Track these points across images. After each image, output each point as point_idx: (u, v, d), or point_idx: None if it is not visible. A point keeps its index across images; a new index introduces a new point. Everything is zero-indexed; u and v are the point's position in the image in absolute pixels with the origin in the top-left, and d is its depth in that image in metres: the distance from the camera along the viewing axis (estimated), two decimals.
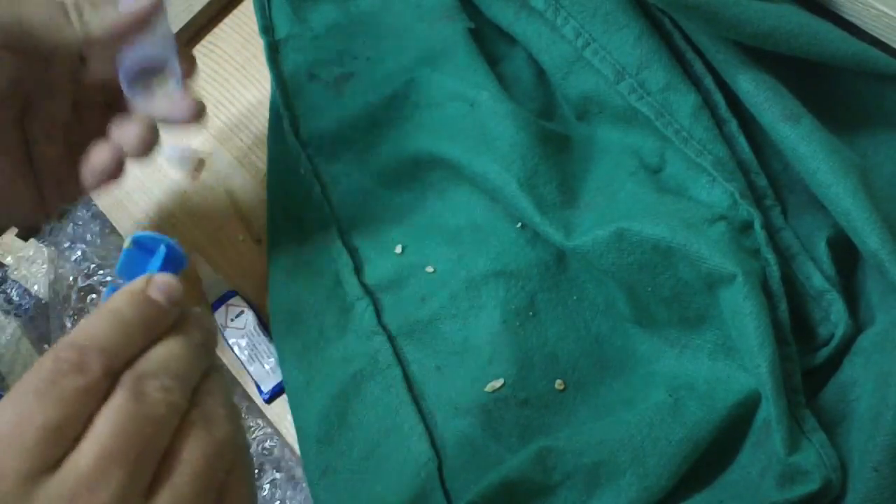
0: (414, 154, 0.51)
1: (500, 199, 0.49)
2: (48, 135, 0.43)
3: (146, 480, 0.28)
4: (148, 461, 0.28)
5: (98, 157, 0.42)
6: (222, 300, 0.53)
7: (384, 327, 0.49)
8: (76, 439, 0.28)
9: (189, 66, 0.44)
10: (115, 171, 0.43)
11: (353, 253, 0.51)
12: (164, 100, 0.43)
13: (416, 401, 0.47)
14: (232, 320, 0.53)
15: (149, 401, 0.29)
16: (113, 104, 0.45)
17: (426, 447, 0.45)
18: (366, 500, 0.45)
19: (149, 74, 0.43)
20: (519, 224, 0.49)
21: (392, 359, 0.48)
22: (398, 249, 0.51)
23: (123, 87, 0.42)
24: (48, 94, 0.42)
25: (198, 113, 0.43)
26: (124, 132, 0.42)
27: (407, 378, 0.47)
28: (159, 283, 0.32)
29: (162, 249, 0.36)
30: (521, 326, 0.47)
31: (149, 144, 0.42)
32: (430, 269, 0.50)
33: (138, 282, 0.32)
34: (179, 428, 0.29)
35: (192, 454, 0.29)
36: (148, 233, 0.36)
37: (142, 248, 0.36)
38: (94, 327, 0.30)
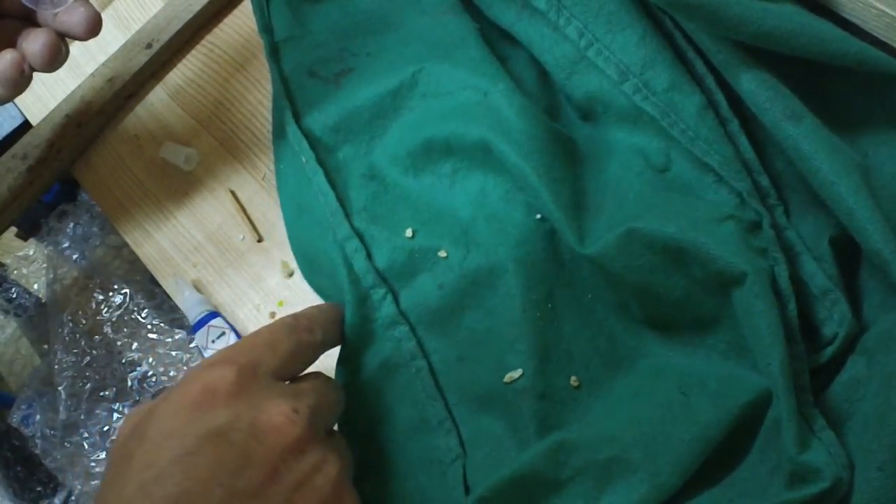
0: (425, 142, 0.50)
1: (521, 188, 0.48)
2: None
3: (330, 417, 0.42)
4: (332, 405, 0.42)
5: (0, 62, 0.44)
6: (204, 321, 0.53)
7: (404, 316, 0.48)
8: (295, 375, 0.42)
9: None
10: (17, 78, 0.45)
11: (361, 237, 0.50)
12: (63, 12, 0.45)
13: (443, 394, 0.47)
14: (213, 342, 0.53)
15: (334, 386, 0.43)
16: (29, 18, 0.47)
17: (455, 444, 0.45)
18: (397, 499, 0.45)
19: None
20: (538, 215, 0.48)
21: (416, 350, 0.47)
22: (409, 233, 0.50)
23: None
24: None
25: (90, 24, 0.45)
26: (29, 42, 0.45)
27: (431, 370, 0.47)
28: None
29: None
30: (541, 318, 0.46)
31: (50, 56, 0.45)
32: (442, 253, 0.49)
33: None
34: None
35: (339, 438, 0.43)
36: None
37: None
38: (311, 314, 0.45)
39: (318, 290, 0.53)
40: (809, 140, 0.43)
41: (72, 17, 0.45)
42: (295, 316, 0.44)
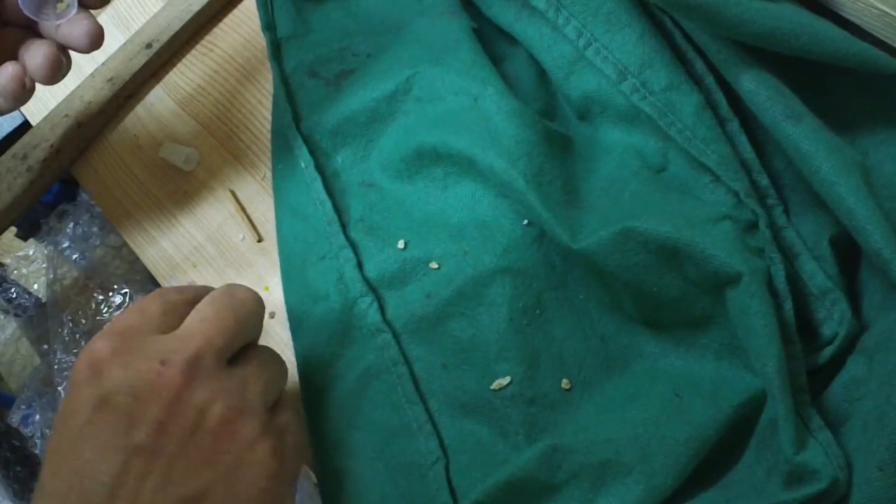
0: (417, 148, 0.51)
1: (507, 195, 0.48)
2: None
3: (227, 347, 0.41)
4: (228, 333, 0.41)
5: (2, 76, 0.44)
6: None
7: (389, 324, 0.49)
8: (175, 326, 0.41)
9: None
10: (18, 91, 0.44)
11: (355, 248, 0.51)
12: (65, 24, 0.44)
13: (423, 399, 0.47)
14: None
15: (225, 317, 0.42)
16: (32, 28, 0.46)
17: (435, 446, 0.45)
18: (376, 502, 0.45)
19: None
20: (525, 221, 0.48)
21: (398, 356, 0.48)
22: (401, 244, 0.50)
23: (23, 8, 0.43)
24: None
25: (93, 38, 0.45)
26: (30, 55, 0.44)
27: (413, 376, 0.47)
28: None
29: None
30: (529, 325, 0.47)
31: (51, 70, 0.45)
32: (434, 264, 0.49)
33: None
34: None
35: (258, 356, 0.43)
36: None
37: None
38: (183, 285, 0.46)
39: (287, 292, 0.53)
40: (809, 140, 0.43)
41: (73, 30, 0.44)
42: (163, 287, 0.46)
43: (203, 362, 0.40)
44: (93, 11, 0.46)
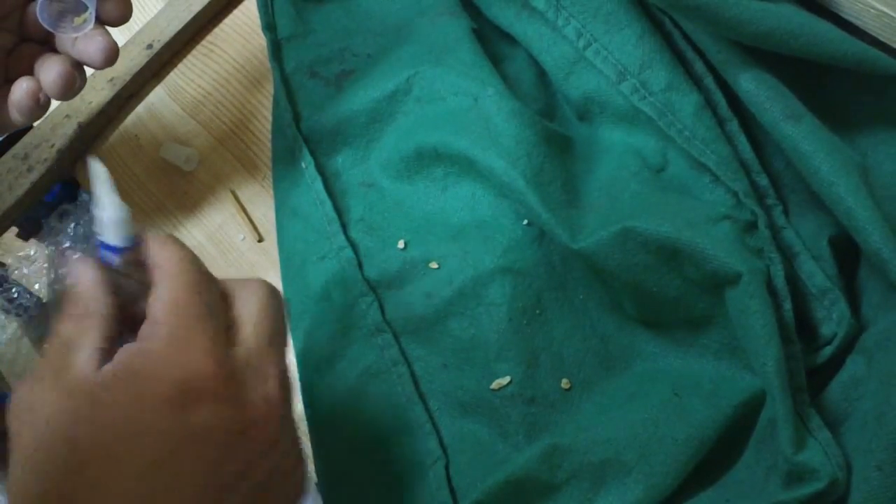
0: (417, 148, 0.51)
1: (507, 195, 0.49)
2: None
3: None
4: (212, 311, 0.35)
5: (17, 91, 0.44)
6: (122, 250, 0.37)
7: (389, 324, 0.49)
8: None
9: (120, 11, 0.45)
10: (33, 107, 0.44)
11: (355, 248, 0.51)
12: (81, 39, 0.44)
13: (423, 399, 0.47)
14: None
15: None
16: (49, 43, 0.46)
17: (435, 446, 0.45)
18: (376, 501, 0.46)
19: (71, 13, 0.44)
20: (525, 221, 0.49)
21: (398, 356, 0.48)
22: (401, 245, 0.51)
23: (41, 20, 0.43)
24: None
25: (107, 54, 0.44)
26: (45, 70, 0.44)
27: (413, 376, 0.47)
28: None
29: None
30: (528, 325, 0.47)
31: (65, 86, 0.44)
32: (434, 264, 0.49)
33: None
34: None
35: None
36: None
37: None
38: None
39: (287, 292, 0.52)
40: (809, 140, 0.43)
41: (89, 46, 0.44)
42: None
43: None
44: (109, 28, 0.46)
